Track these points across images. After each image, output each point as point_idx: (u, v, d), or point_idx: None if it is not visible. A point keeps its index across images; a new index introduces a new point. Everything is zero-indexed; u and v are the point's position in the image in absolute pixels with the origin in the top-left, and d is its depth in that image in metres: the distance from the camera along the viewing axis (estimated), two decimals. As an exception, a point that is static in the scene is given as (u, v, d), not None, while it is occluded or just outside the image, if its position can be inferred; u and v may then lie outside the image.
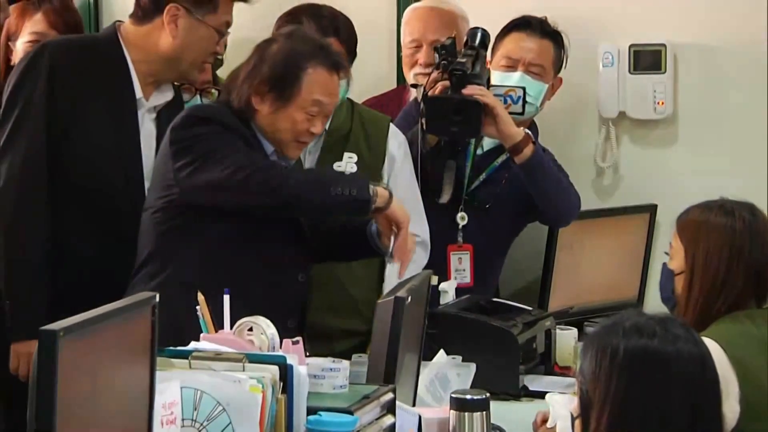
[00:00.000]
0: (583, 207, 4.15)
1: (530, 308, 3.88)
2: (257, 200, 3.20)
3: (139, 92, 3.55)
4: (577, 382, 2.37)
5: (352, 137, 3.75)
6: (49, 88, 3.45)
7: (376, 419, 2.66)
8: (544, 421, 2.97)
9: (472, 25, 4.05)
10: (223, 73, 4.27)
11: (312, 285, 3.50)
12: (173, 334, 2.54)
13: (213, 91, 4.09)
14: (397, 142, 3.86)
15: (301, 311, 3.40)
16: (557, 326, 3.82)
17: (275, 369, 2.50)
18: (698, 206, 3.15)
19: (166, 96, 3.62)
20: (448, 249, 3.99)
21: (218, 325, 2.75)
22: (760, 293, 3.11)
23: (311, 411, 2.53)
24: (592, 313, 4.24)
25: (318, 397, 2.60)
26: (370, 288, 3.81)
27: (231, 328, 2.72)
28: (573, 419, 2.38)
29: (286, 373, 2.50)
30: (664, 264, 3.21)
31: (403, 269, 3.33)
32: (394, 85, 4.57)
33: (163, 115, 3.60)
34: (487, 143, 4.07)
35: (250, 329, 2.71)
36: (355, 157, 3.78)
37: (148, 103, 3.58)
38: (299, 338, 2.71)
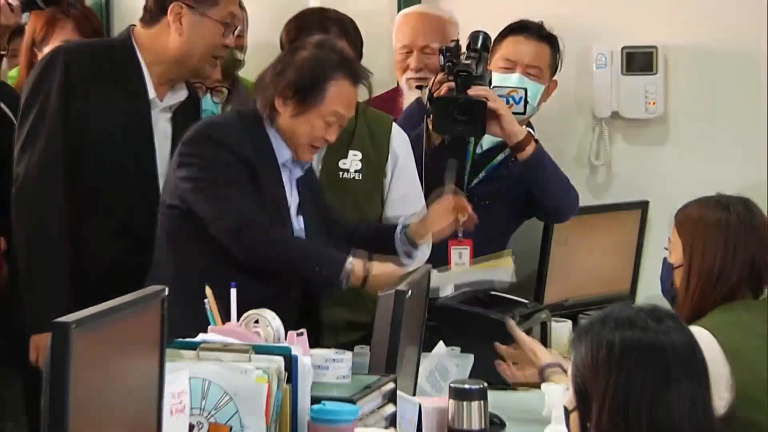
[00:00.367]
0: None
1: (527, 301, 3.88)
2: (242, 254, 3.22)
3: (152, 93, 3.55)
4: (572, 375, 2.36)
5: (357, 135, 3.75)
6: (64, 90, 3.45)
7: (378, 408, 2.66)
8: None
9: (470, 29, 4.04)
10: (243, 73, 4.29)
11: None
12: (183, 327, 2.54)
13: (223, 89, 4.10)
14: (399, 141, 3.86)
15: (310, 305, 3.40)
16: (552, 318, 3.83)
17: (280, 360, 2.49)
18: (695, 202, 3.15)
19: (179, 96, 3.62)
20: (449, 243, 3.98)
21: (225, 318, 2.75)
22: (755, 285, 3.11)
23: (315, 400, 2.53)
24: (586, 306, 4.24)
25: (322, 386, 2.60)
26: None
27: (238, 320, 2.72)
28: (567, 412, 2.37)
29: (290, 364, 2.50)
30: (665, 258, 3.21)
31: None
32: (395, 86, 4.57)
33: (179, 114, 3.61)
34: (486, 142, 4.08)
35: (256, 321, 2.71)
36: (359, 155, 3.80)
37: (163, 103, 3.58)
38: (303, 330, 2.71)
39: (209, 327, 2.71)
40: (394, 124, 3.90)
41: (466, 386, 2.79)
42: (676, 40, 4.54)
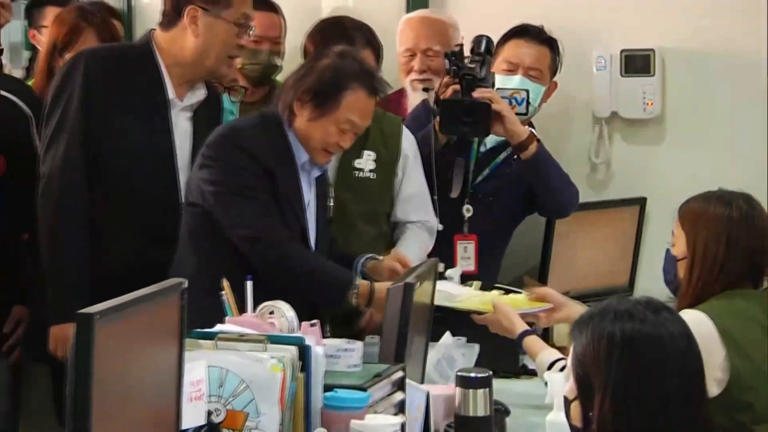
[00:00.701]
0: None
1: (529, 293, 3.87)
2: (254, 262, 3.21)
3: (171, 93, 3.55)
4: (572, 367, 2.35)
5: (371, 136, 3.75)
6: (85, 93, 3.46)
7: (388, 395, 2.66)
8: None
9: (474, 32, 4.04)
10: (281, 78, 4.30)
11: None
12: (202, 318, 2.54)
13: (239, 88, 4.10)
14: (408, 141, 3.88)
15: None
16: (554, 310, 3.81)
17: (294, 349, 2.49)
18: (698, 196, 3.15)
19: (199, 95, 3.62)
20: (454, 238, 3.99)
21: (241, 309, 2.75)
22: (756, 277, 3.11)
23: (327, 388, 2.53)
24: (586, 298, 4.21)
25: (334, 375, 2.60)
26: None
27: (253, 311, 2.72)
28: (568, 401, 2.37)
29: (304, 353, 2.50)
30: (668, 250, 3.21)
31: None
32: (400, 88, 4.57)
33: (199, 113, 3.61)
34: (490, 141, 4.07)
35: (272, 313, 2.71)
36: (373, 155, 3.81)
37: (182, 103, 3.58)
38: (316, 321, 2.71)
39: (226, 318, 2.72)
40: (403, 125, 3.91)
41: (472, 375, 2.79)
42: (672, 44, 4.54)
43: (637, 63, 4.55)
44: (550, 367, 3.12)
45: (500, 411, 2.90)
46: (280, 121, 3.36)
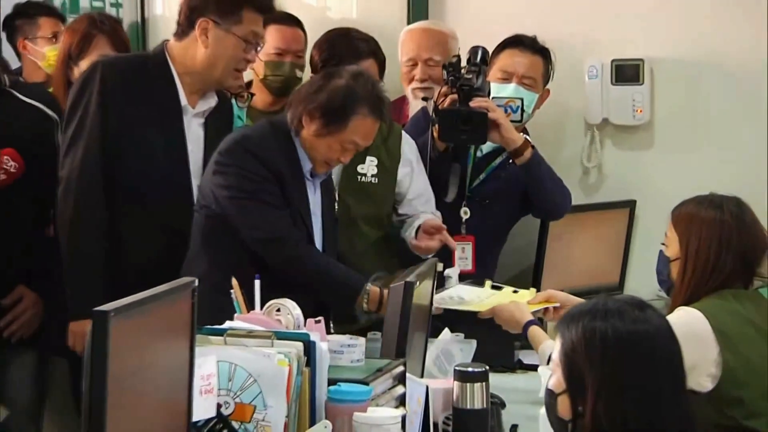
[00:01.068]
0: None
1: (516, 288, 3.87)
2: (269, 262, 3.22)
3: (184, 100, 3.55)
4: (561, 362, 2.34)
5: (373, 143, 3.74)
6: (101, 100, 3.46)
7: (389, 389, 2.65)
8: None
9: (472, 42, 4.04)
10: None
11: None
12: (212, 315, 2.55)
13: (246, 95, 4.10)
14: (409, 147, 3.89)
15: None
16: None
17: (300, 345, 2.49)
18: (690, 200, 3.14)
19: (210, 102, 3.61)
20: (453, 239, 3.99)
21: (250, 307, 2.75)
22: (746, 276, 3.10)
23: (331, 382, 2.52)
24: (579, 296, 4.21)
25: (337, 369, 2.60)
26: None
27: (261, 309, 2.72)
28: (554, 395, 2.36)
29: (309, 349, 2.50)
30: (661, 251, 3.21)
31: None
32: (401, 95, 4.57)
33: (211, 119, 3.61)
34: (486, 147, 4.07)
35: (278, 310, 2.71)
36: (375, 161, 3.82)
37: (195, 109, 3.58)
38: (321, 318, 2.71)
39: (235, 315, 2.71)
40: (403, 132, 3.91)
41: (470, 369, 2.79)
42: (661, 54, 4.54)
43: (627, 72, 4.55)
44: (549, 360, 3.12)
45: (496, 404, 2.91)
46: (288, 129, 3.36)
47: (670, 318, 2.93)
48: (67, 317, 3.45)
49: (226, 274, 2.87)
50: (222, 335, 2.51)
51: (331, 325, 3.35)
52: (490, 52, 4.05)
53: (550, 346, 3.13)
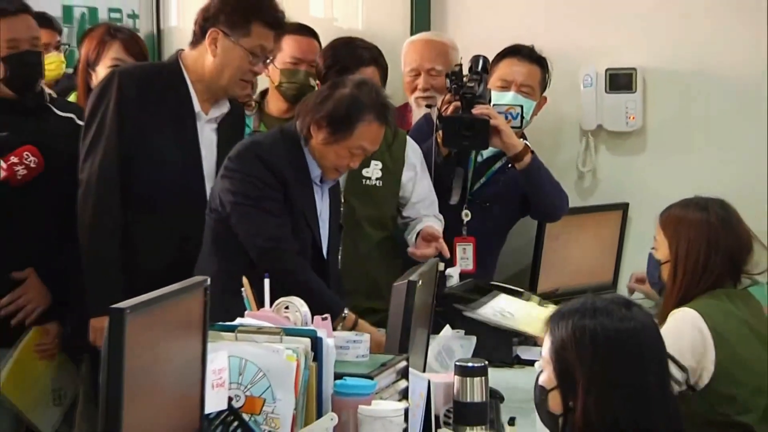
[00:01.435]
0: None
1: (522, 290, 3.87)
2: (260, 271, 3.12)
3: (197, 107, 3.55)
4: (551, 359, 2.34)
5: (378, 148, 3.74)
6: (118, 107, 3.46)
7: (392, 383, 2.65)
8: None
9: (473, 50, 4.04)
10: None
11: (345, 273, 3.58)
12: (223, 312, 2.55)
13: (253, 103, 4.10)
14: (413, 152, 3.89)
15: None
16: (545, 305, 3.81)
17: (308, 341, 2.48)
18: (677, 204, 3.12)
19: (222, 109, 3.61)
20: (454, 240, 3.99)
21: (260, 304, 2.75)
22: (735, 275, 3.08)
23: (337, 376, 2.51)
24: (574, 294, 4.14)
25: (343, 364, 2.59)
26: (391, 274, 3.80)
27: (270, 306, 2.72)
28: (546, 391, 2.36)
29: (316, 345, 2.49)
30: (650, 254, 3.18)
31: None
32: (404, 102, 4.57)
33: (224, 125, 3.60)
34: (486, 152, 4.08)
35: (287, 308, 2.71)
36: (380, 165, 3.82)
37: (208, 115, 3.57)
38: (327, 315, 2.70)
39: (246, 312, 2.71)
40: (407, 137, 3.91)
41: (470, 364, 2.78)
42: (652, 63, 4.54)
43: (620, 81, 4.55)
44: None
45: (495, 397, 2.90)
46: (298, 137, 3.35)
47: (672, 321, 2.94)
48: (85, 315, 3.45)
49: (233, 276, 2.87)
50: (233, 331, 2.51)
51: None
52: (490, 61, 4.05)
53: None
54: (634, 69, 4.53)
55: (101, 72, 3.92)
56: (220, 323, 2.52)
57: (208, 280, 2.27)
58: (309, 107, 3.34)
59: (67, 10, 5.72)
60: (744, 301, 3.08)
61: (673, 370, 2.82)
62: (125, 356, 1.95)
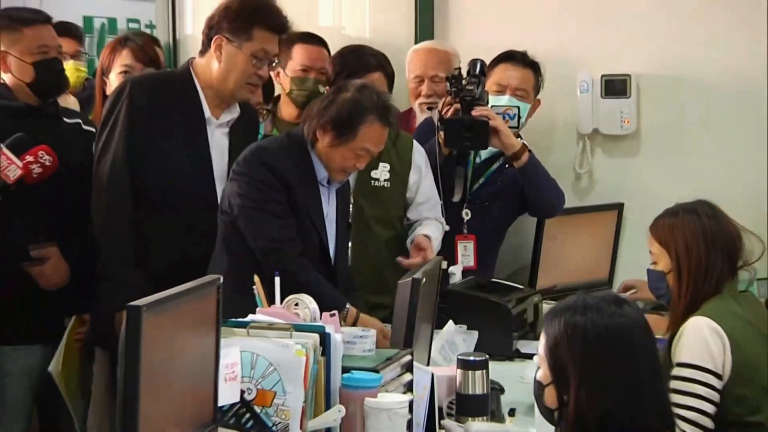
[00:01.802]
0: (565, 205, 4.14)
1: (522, 287, 3.87)
2: (264, 271, 3.05)
3: (207, 112, 3.53)
4: (546, 356, 2.33)
5: (386, 150, 3.72)
6: (129, 114, 3.45)
7: (397, 376, 2.65)
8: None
9: (473, 55, 4.03)
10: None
11: (354, 270, 3.56)
12: (234, 310, 2.54)
13: (264, 111, 4.10)
14: (419, 154, 3.88)
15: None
16: (543, 301, 3.80)
17: (316, 336, 2.49)
18: (665, 214, 3.04)
19: (233, 114, 3.59)
20: (456, 238, 3.99)
21: (270, 302, 2.75)
22: (733, 269, 2.99)
23: (345, 370, 2.52)
24: (572, 291, 4.14)
25: (350, 359, 2.60)
26: (398, 271, 3.80)
27: (281, 303, 2.72)
28: (542, 386, 2.35)
29: (325, 340, 2.49)
30: (648, 270, 3.07)
31: None
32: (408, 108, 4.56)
33: (236, 129, 3.59)
34: (484, 153, 4.08)
35: (297, 305, 2.71)
36: (388, 166, 3.81)
37: (219, 120, 3.56)
38: (335, 311, 2.70)
39: (257, 309, 2.71)
40: (414, 141, 3.91)
41: (471, 358, 2.78)
42: (646, 70, 4.53)
43: (615, 86, 4.54)
44: None
45: (496, 389, 2.90)
46: (304, 141, 3.35)
47: (691, 333, 2.85)
48: (101, 312, 3.45)
49: (244, 275, 2.86)
50: (245, 327, 2.51)
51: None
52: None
53: None
54: (629, 75, 4.52)
55: (113, 78, 3.95)
56: (233, 320, 2.52)
57: (221, 278, 2.27)
58: (314, 113, 3.33)
59: (88, 21, 5.74)
60: (748, 302, 3.01)
61: (712, 380, 2.80)
62: (142, 351, 1.95)
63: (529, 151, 3.94)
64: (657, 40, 4.51)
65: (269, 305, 2.73)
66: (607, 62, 4.55)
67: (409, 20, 4.73)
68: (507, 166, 4.02)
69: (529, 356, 3.28)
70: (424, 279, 2.87)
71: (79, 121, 3.70)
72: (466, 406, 2.75)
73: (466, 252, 4.00)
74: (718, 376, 2.84)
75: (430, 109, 4.17)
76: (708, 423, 2.80)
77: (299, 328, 2.52)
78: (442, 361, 3.17)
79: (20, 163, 3.39)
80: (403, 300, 2.85)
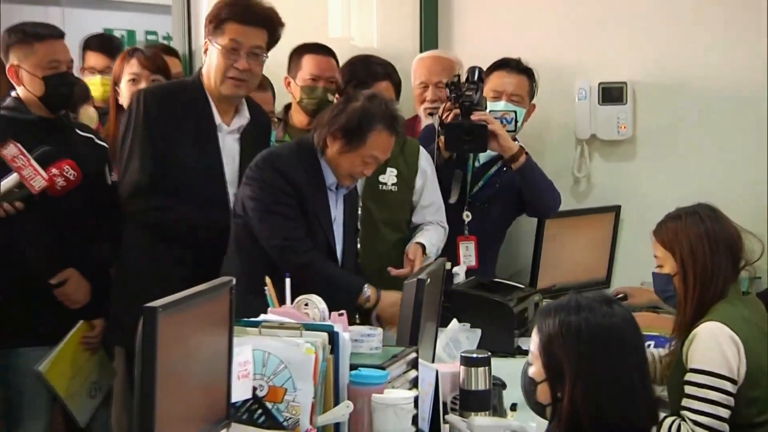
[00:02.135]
0: (563, 207, 4.15)
1: (522, 286, 3.87)
2: (281, 268, 3.04)
3: (218, 119, 3.53)
4: (539, 353, 2.33)
5: (393, 156, 3.71)
6: (144, 124, 3.46)
7: (403, 373, 2.64)
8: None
9: (473, 62, 4.03)
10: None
11: (363, 270, 3.55)
12: (247, 310, 2.54)
13: (277, 121, 4.09)
14: (426, 160, 3.88)
15: None
16: (543, 300, 3.79)
17: (325, 335, 2.48)
18: (668, 218, 2.99)
19: (243, 119, 3.58)
20: (457, 239, 3.99)
21: (281, 302, 2.75)
22: (736, 269, 2.95)
23: (353, 367, 2.52)
24: (570, 290, 4.19)
25: (358, 356, 2.59)
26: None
27: (291, 303, 2.72)
28: (535, 383, 2.34)
29: (333, 338, 2.49)
30: (654, 274, 3.02)
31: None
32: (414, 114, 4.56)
33: (247, 135, 3.59)
34: (483, 157, 4.08)
35: (306, 305, 2.70)
36: (395, 171, 3.81)
37: (229, 126, 3.56)
38: (344, 311, 2.70)
39: (268, 309, 2.71)
40: (421, 147, 3.91)
41: (475, 355, 2.78)
42: (641, 78, 4.52)
43: (612, 93, 4.53)
44: None
45: (498, 385, 2.89)
46: (314, 148, 3.35)
47: (705, 339, 2.79)
48: (117, 310, 3.46)
49: (257, 274, 2.86)
50: (257, 327, 2.51)
51: (356, 316, 3.32)
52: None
53: None
54: (625, 83, 4.52)
55: (123, 86, 3.96)
56: (245, 319, 2.52)
57: (234, 280, 2.27)
58: (325, 121, 3.33)
59: (108, 34, 5.73)
60: (754, 305, 2.99)
61: (727, 385, 2.76)
62: (158, 351, 1.95)
63: (526, 153, 3.94)
64: (652, 50, 4.51)
65: (280, 305, 2.73)
66: (604, 70, 4.54)
67: (414, 31, 4.73)
68: (505, 168, 4.02)
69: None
70: (428, 279, 2.87)
71: (92, 136, 3.71)
72: (470, 401, 2.75)
73: (468, 252, 4.00)
74: (734, 382, 2.79)
75: (430, 114, 4.17)
76: (724, 427, 2.76)
77: (309, 327, 2.52)
78: (446, 358, 3.17)
79: (46, 175, 3.40)
80: (409, 299, 2.84)
